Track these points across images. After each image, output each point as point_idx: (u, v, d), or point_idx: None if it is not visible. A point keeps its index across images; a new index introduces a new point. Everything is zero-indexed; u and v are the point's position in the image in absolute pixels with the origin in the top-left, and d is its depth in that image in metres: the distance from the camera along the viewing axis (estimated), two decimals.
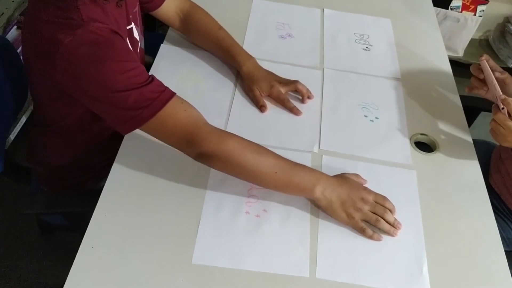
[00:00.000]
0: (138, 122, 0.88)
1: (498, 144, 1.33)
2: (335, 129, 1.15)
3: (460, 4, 2.37)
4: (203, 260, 0.87)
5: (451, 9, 2.37)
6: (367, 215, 0.93)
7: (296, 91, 1.20)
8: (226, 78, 1.23)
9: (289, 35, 1.41)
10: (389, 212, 0.94)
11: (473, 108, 1.39)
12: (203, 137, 0.90)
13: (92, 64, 0.84)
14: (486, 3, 2.35)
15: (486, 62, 1.11)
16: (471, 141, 1.18)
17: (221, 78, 1.23)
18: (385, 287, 0.87)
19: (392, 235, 0.94)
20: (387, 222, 0.94)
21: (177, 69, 1.24)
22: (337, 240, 0.93)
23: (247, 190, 0.99)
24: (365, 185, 1.00)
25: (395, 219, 0.95)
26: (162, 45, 1.30)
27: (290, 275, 0.87)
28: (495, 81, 1.07)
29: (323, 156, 1.08)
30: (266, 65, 1.27)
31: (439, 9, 2.36)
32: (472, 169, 1.11)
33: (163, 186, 0.98)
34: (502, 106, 1.01)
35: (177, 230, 0.91)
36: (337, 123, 1.16)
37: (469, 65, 1.21)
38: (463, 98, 1.30)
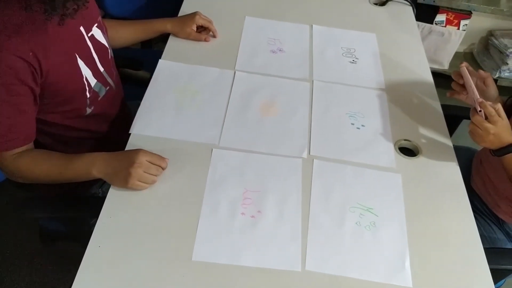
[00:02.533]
0: None
1: (479, 149, 1.41)
2: (324, 136, 1.22)
3: (444, 19, 2.47)
4: (202, 257, 0.94)
5: (436, 23, 2.48)
6: (141, 177, 1.02)
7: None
8: (220, 90, 1.31)
9: (280, 50, 1.49)
10: (160, 169, 1.05)
11: (455, 117, 1.47)
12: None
13: None
14: (469, 18, 2.45)
15: (465, 69, 1.18)
16: (452, 145, 1.25)
17: (216, 90, 1.31)
18: (369, 279, 0.94)
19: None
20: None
21: (175, 83, 1.31)
22: (326, 236, 1.00)
23: (242, 193, 1.06)
24: (355, 185, 1.08)
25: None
26: (160, 60, 1.37)
27: (283, 270, 0.94)
28: (473, 86, 1.14)
29: (314, 160, 1.15)
30: (258, 78, 1.36)
31: (424, 24, 2.47)
32: (452, 172, 1.19)
33: (163, 190, 1.05)
34: (479, 109, 1.09)
35: (178, 230, 0.98)
36: (325, 131, 1.24)
37: None
38: (445, 107, 1.38)
